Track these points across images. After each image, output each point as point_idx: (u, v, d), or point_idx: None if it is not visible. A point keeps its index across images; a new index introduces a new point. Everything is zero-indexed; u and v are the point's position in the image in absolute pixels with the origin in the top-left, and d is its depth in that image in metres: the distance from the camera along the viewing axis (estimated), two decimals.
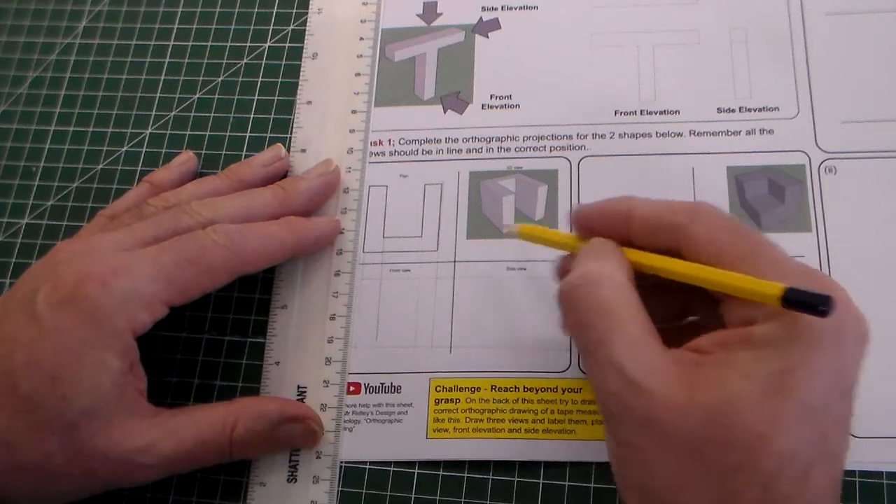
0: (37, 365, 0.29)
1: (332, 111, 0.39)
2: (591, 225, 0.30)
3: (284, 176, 0.38)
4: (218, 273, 0.32)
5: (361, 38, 0.41)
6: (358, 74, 0.40)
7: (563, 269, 0.31)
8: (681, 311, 0.30)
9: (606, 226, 0.29)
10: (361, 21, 0.41)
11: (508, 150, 0.38)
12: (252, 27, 0.42)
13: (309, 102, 0.40)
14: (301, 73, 0.40)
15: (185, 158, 0.39)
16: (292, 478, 0.34)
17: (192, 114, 0.41)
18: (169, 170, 0.38)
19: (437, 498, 0.33)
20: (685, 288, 0.27)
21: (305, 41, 0.41)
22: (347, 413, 0.34)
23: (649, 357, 0.25)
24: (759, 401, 0.23)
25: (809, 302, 0.23)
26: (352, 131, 0.39)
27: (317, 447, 0.34)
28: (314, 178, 0.37)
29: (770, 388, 0.23)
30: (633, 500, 0.25)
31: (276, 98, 0.40)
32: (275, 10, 0.42)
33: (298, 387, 0.35)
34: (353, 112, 0.39)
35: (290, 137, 0.39)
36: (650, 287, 0.28)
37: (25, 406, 0.29)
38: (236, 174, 0.37)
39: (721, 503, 0.23)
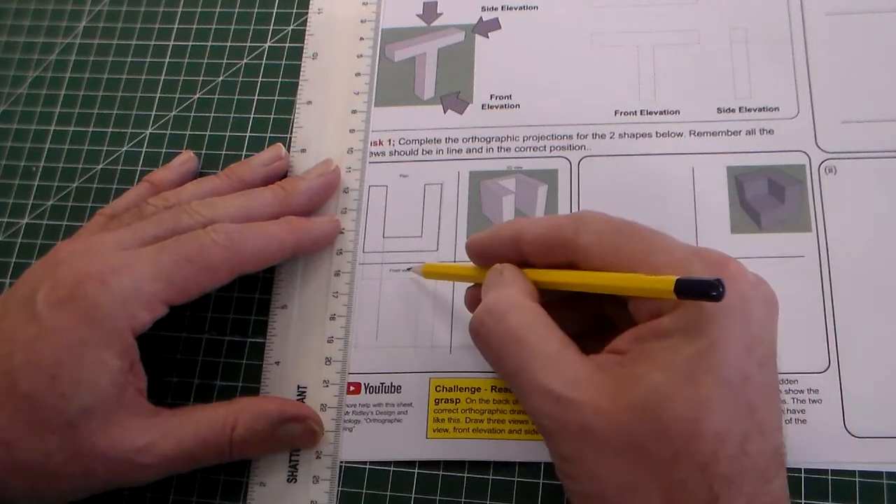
0: (36, 364, 0.29)
1: (332, 111, 0.39)
2: (486, 252, 0.31)
3: (284, 176, 0.38)
4: (217, 272, 0.32)
5: (361, 38, 0.41)
6: (358, 74, 0.40)
7: (473, 299, 0.32)
8: (594, 317, 0.30)
9: (501, 252, 0.30)
10: (361, 21, 0.41)
11: (508, 150, 0.38)
12: (252, 27, 0.42)
13: (309, 102, 0.40)
14: (301, 73, 0.40)
15: (186, 158, 0.39)
16: (292, 478, 0.34)
17: (192, 114, 0.41)
18: (169, 170, 0.38)
19: (437, 498, 0.33)
20: (593, 295, 0.28)
21: (305, 41, 0.41)
22: (347, 413, 0.34)
23: (570, 370, 0.25)
24: (681, 388, 0.23)
25: (700, 290, 0.23)
26: (352, 131, 0.39)
27: (317, 447, 0.34)
28: (314, 177, 0.37)
29: (689, 373, 0.24)
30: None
31: (276, 98, 0.40)
32: (275, 10, 0.42)
33: (298, 387, 0.35)
34: (353, 112, 0.39)
35: (290, 137, 0.39)
36: (560, 301, 0.28)
37: (25, 405, 0.29)
38: (236, 174, 0.37)
39: (667, 495, 0.24)
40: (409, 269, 0.36)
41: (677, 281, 0.24)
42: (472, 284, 0.33)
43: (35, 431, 0.29)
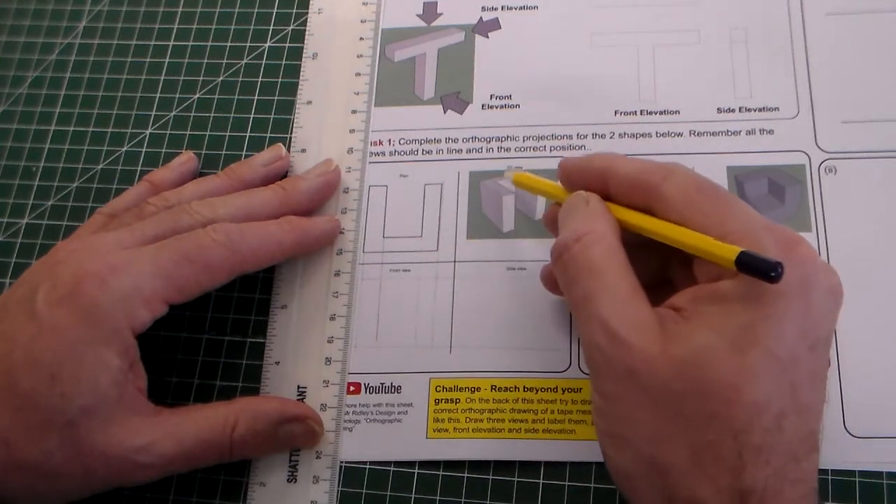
0: (36, 363, 0.29)
1: (332, 111, 0.39)
2: (573, 178, 0.31)
3: (285, 176, 0.38)
4: (217, 272, 0.32)
5: (361, 38, 0.41)
6: (358, 74, 0.40)
7: (550, 217, 0.32)
8: (660, 270, 0.31)
9: (588, 180, 0.30)
10: (361, 21, 0.41)
11: (508, 150, 0.38)
12: (252, 27, 0.42)
13: (309, 102, 0.40)
14: (301, 73, 0.40)
15: (186, 159, 0.39)
16: (292, 478, 0.34)
17: (192, 114, 0.41)
18: (169, 169, 0.38)
19: (437, 498, 0.33)
20: (664, 247, 0.28)
21: (305, 41, 0.41)
22: (347, 413, 0.34)
23: (632, 313, 0.26)
24: (728, 353, 0.24)
25: (760, 268, 0.24)
26: (352, 131, 0.39)
27: (317, 447, 0.34)
28: (314, 177, 0.37)
29: (738, 341, 0.24)
30: (612, 448, 0.26)
31: (276, 98, 0.40)
32: (275, 10, 0.42)
33: (298, 387, 0.35)
34: (354, 112, 0.39)
35: (290, 137, 0.39)
36: (633, 245, 0.28)
37: (25, 404, 0.29)
38: (236, 173, 0.37)
39: (695, 453, 0.24)
40: (504, 171, 0.36)
41: (741, 254, 0.24)
42: (553, 203, 0.33)
43: (35, 430, 0.29)
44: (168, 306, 0.31)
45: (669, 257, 0.30)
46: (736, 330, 0.24)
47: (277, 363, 0.35)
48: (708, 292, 0.26)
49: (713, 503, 0.23)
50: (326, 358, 0.35)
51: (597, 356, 0.26)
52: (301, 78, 0.40)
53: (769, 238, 0.25)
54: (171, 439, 0.31)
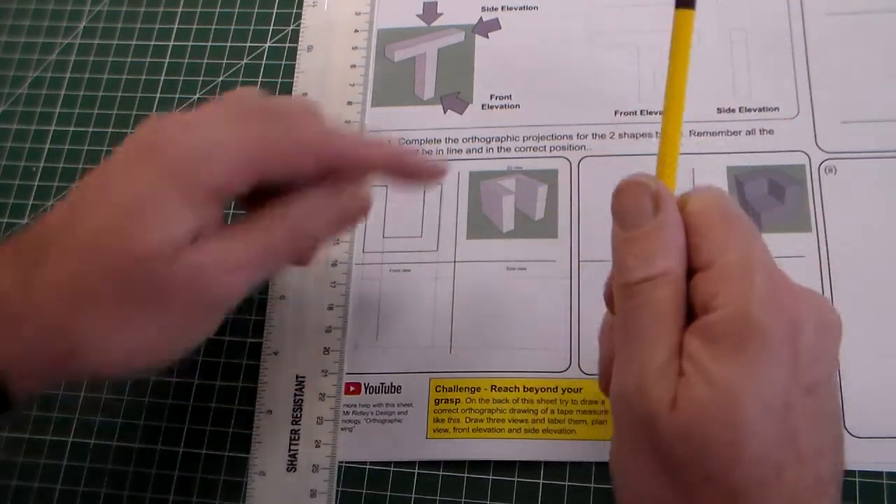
0: (108, 203, 0.27)
1: (327, 103, 0.39)
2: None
3: None
4: (305, 157, 0.29)
5: (356, 30, 0.41)
6: (353, 66, 0.40)
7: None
8: None
9: None
10: (356, 13, 0.41)
11: (508, 150, 0.38)
12: (252, 27, 0.42)
13: (305, 94, 0.40)
14: (296, 65, 0.40)
15: None
16: (292, 467, 0.34)
17: None
18: None
19: (437, 498, 0.33)
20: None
21: (301, 33, 0.41)
22: (347, 413, 0.34)
23: (669, 369, 0.24)
24: (722, 409, 0.22)
25: None
26: (347, 122, 0.39)
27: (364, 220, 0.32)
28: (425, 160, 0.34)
29: (730, 392, 0.22)
30: (618, 483, 0.25)
31: None
32: (275, 10, 0.42)
33: (297, 376, 0.35)
34: (349, 103, 0.39)
35: None
36: None
37: (90, 245, 0.26)
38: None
39: None
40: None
41: None
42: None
43: (105, 270, 0.26)
44: (256, 181, 0.28)
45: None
46: (727, 379, 0.22)
47: (276, 353, 0.35)
48: (701, 330, 0.24)
49: None
50: (325, 348, 0.35)
51: (620, 396, 0.25)
52: (296, 70, 0.40)
53: (761, 277, 0.23)
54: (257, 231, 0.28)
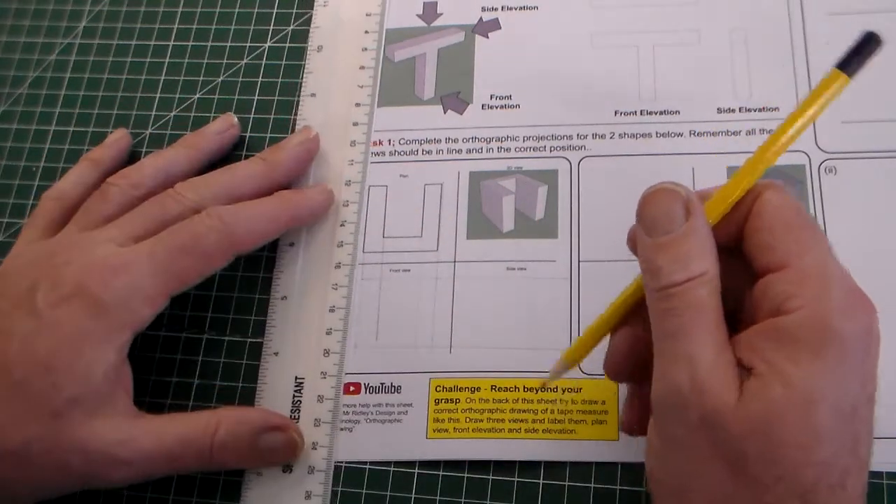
0: (32, 355, 0.29)
1: (335, 103, 0.39)
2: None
3: (238, 145, 0.39)
4: (215, 258, 0.32)
5: (366, 32, 0.41)
6: (362, 67, 0.40)
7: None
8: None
9: None
10: (367, 15, 0.41)
11: (508, 150, 0.38)
12: (252, 27, 0.42)
13: (313, 95, 0.40)
14: (305, 66, 0.40)
15: (119, 136, 0.39)
16: (288, 468, 0.34)
17: (192, 114, 0.41)
18: (105, 147, 0.38)
19: (437, 498, 0.33)
20: (727, 271, 0.26)
21: (311, 34, 0.41)
22: (347, 413, 0.34)
23: (723, 363, 0.24)
24: (797, 410, 0.23)
25: (860, 49, 0.23)
26: (355, 124, 0.39)
27: (296, 459, 0.33)
28: (294, 146, 0.37)
29: (807, 394, 0.23)
30: (662, 497, 0.25)
31: (276, 98, 0.40)
32: (275, 10, 0.42)
33: (296, 378, 0.35)
34: (357, 105, 0.39)
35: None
36: None
37: (14, 394, 0.29)
38: (190, 143, 0.37)
39: None
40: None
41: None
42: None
43: (20, 418, 0.29)
44: (169, 298, 0.32)
45: (730, 285, 0.27)
46: (804, 381, 0.23)
47: (276, 354, 0.35)
48: (772, 330, 0.24)
49: None
50: (325, 350, 0.35)
51: (672, 397, 0.24)
52: (305, 70, 0.40)
53: (840, 284, 0.24)
54: (152, 435, 0.31)
